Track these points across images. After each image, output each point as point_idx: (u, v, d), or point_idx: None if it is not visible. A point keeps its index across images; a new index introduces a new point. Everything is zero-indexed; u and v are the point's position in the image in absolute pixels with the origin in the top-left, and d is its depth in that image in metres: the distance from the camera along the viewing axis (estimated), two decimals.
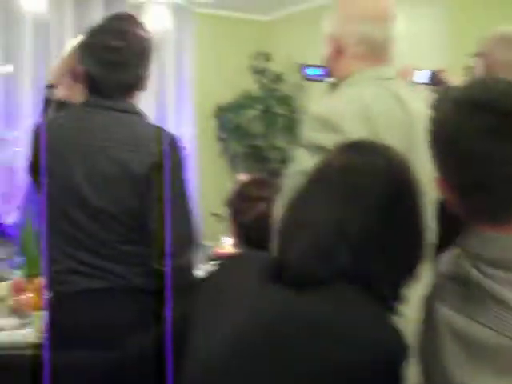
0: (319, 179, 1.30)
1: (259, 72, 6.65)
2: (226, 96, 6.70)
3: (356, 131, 1.68)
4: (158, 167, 2.08)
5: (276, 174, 5.13)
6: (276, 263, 1.25)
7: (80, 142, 2.16)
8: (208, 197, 6.14)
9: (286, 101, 6.62)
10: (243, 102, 6.65)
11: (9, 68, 5.71)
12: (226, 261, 1.47)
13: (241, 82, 6.65)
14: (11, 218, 5.60)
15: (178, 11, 6.17)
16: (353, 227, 1.20)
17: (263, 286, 1.24)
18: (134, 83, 2.23)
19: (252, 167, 6.63)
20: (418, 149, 1.69)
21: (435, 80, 3.39)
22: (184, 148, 2.23)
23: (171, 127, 6.44)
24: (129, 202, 2.11)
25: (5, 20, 5.74)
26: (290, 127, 6.47)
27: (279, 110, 6.62)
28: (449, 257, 1.28)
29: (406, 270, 1.25)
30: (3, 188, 5.54)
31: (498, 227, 1.19)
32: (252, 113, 6.67)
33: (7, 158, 5.65)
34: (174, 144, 2.16)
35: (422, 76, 3.34)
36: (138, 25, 2.29)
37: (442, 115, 1.22)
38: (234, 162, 6.80)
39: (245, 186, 2.40)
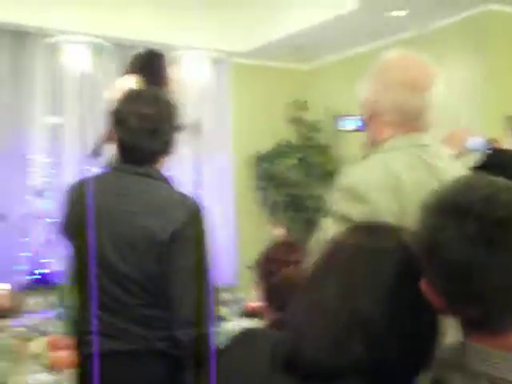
0: (330, 262, 1.26)
1: (296, 121, 6.65)
2: (264, 145, 6.73)
3: (383, 202, 1.65)
4: (179, 235, 2.09)
5: (313, 223, 5.10)
6: (288, 352, 1.20)
7: (106, 206, 2.19)
8: (246, 247, 6.10)
9: (323, 150, 6.61)
10: (281, 151, 6.67)
11: (56, 119, 5.93)
12: (236, 340, 1.42)
13: (278, 131, 6.67)
14: (54, 266, 5.68)
15: (215, 62, 6.23)
16: (365, 315, 1.15)
17: (273, 375, 1.21)
18: (162, 150, 2.26)
19: (290, 216, 6.61)
20: None
21: (489, 148, 3.33)
22: (207, 216, 2.22)
23: (209, 176, 6.59)
24: (151, 267, 2.12)
25: (52, 73, 5.90)
26: (328, 176, 6.46)
27: (316, 158, 6.61)
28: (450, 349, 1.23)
29: (421, 356, 1.19)
30: (48, 235, 5.60)
31: (489, 338, 1.14)
32: (290, 162, 6.68)
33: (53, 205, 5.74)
34: (197, 212, 2.16)
35: (475, 142, 3.26)
36: (165, 94, 2.35)
37: (427, 221, 1.17)
38: (272, 212, 6.79)
39: (272, 248, 2.40)
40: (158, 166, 2.26)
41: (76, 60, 5.23)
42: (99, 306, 2.15)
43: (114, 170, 2.30)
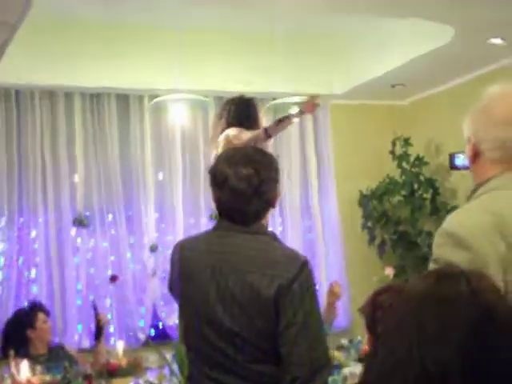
0: (398, 313, 1.24)
1: (400, 157, 6.60)
2: (369, 184, 6.71)
3: (487, 246, 1.62)
4: (286, 290, 2.09)
5: (425, 260, 5.03)
6: None
7: (211, 265, 2.21)
8: (357, 288, 6.05)
9: (430, 184, 6.51)
10: (386, 188, 6.62)
11: (161, 175, 6.17)
12: None
13: (382, 169, 6.63)
14: (172, 320, 5.80)
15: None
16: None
17: None
18: (264, 209, 2.28)
19: (401, 255, 6.52)
20: None
21: None
22: (312, 272, 2.22)
23: (316, 215, 6.67)
24: (259, 324, 2.13)
25: (158, 133, 6.18)
26: (437, 210, 6.36)
27: (424, 193, 6.51)
28: None
29: None
30: (164, 289, 5.72)
31: None
32: (396, 198, 6.61)
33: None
34: (304, 267, 2.15)
35: None
36: (262, 152, 2.38)
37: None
38: (381, 251, 6.72)
39: (377, 294, 2.37)
40: (263, 221, 2.29)
41: (178, 117, 5.39)
42: (209, 363, 2.18)
43: (216, 229, 2.32)
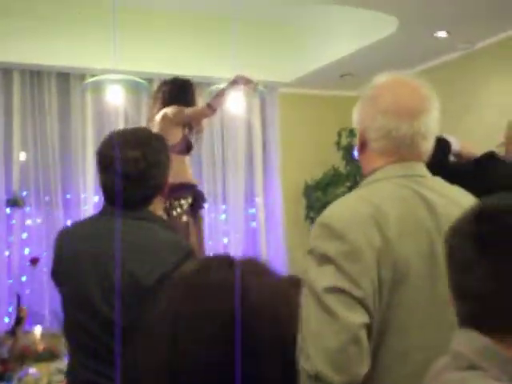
0: (166, 301, 1.21)
1: (344, 148, 6.58)
2: (313, 174, 6.67)
3: (361, 237, 1.58)
4: (167, 280, 1.93)
5: None
6: None
7: (92, 251, 2.12)
8: None
9: None
10: (331, 180, 6.58)
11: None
12: None
13: (327, 160, 6.60)
14: None
15: (261, 94, 6.23)
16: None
17: None
18: (151, 195, 2.19)
19: None
20: (441, 259, 1.54)
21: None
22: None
23: (259, 204, 6.67)
24: (137, 314, 1.97)
25: (100, 114, 6.08)
26: None
27: None
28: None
29: None
30: None
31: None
32: (341, 190, 6.58)
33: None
34: (188, 256, 2.06)
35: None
36: (152, 134, 2.31)
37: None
38: None
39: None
40: (152, 207, 2.20)
41: (113, 98, 5.28)
42: (87, 353, 2.09)
43: (101, 214, 2.24)
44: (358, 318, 1.52)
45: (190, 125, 4.75)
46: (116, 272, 2.03)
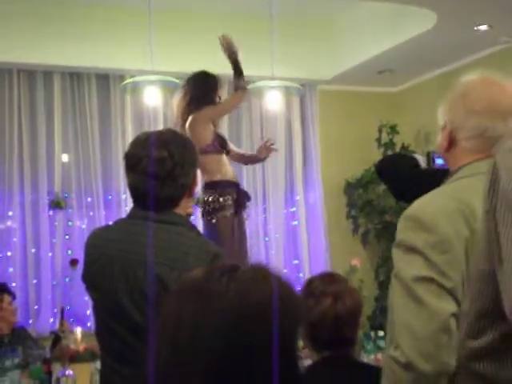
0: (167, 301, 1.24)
1: (385, 145, 6.56)
2: (355, 171, 6.65)
3: (450, 229, 1.64)
4: None
5: None
6: None
7: (121, 256, 2.15)
8: None
9: None
10: (372, 177, 6.54)
11: None
12: None
13: (368, 157, 6.56)
14: None
15: (299, 91, 6.23)
16: None
17: None
18: (179, 194, 2.21)
19: (385, 245, 6.47)
20: None
21: None
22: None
23: (300, 202, 6.66)
24: None
25: (139, 115, 6.14)
26: None
27: None
28: None
29: None
30: None
31: None
32: (382, 188, 6.54)
33: None
34: (215, 259, 2.08)
35: None
36: (178, 135, 2.33)
37: None
38: (365, 240, 6.72)
39: (310, 281, 2.34)
40: (178, 209, 2.21)
41: (152, 99, 5.33)
42: (118, 359, 2.12)
43: (129, 217, 2.26)
44: (448, 306, 1.57)
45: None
46: (148, 277, 2.06)
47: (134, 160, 2.17)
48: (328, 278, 2.33)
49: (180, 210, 2.22)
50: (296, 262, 6.67)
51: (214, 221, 4.57)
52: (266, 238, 6.59)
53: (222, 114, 4.61)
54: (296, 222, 6.73)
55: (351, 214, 6.74)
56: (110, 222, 2.57)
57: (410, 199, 1.82)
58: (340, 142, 6.79)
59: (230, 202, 4.60)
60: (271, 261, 6.45)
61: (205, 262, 2.02)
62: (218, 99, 4.72)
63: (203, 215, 4.67)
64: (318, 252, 6.67)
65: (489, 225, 1.20)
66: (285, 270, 6.52)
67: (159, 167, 2.13)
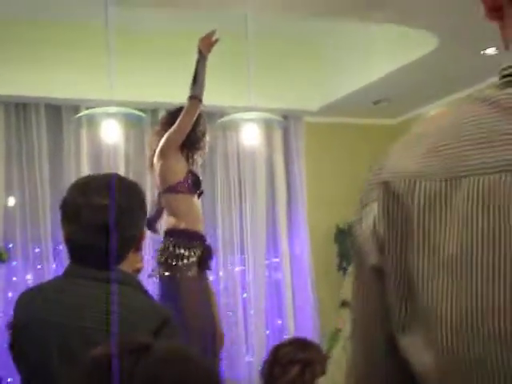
0: None
1: None
2: (346, 215, 6.42)
3: None
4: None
5: None
6: None
7: (54, 321, 2.07)
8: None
9: None
10: None
11: None
12: None
13: None
14: None
15: (282, 124, 6.08)
16: None
17: None
18: (125, 249, 2.14)
19: None
20: None
21: None
22: (178, 329, 2.16)
23: (284, 252, 6.56)
24: None
25: (96, 152, 5.96)
26: None
27: None
28: None
29: None
30: None
31: None
32: None
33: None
34: (165, 324, 2.03)
35: None
36: (125, 180, 2.32)
37: None
38: None
39: (277, 348, 2.34)
40: (124, 264, 2.14)
41: (111, 135, 5.15)
42: None
43: (65, 275, 2.17)
44: None
45: (193, 151, 4.69)
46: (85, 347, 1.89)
47: (72, 209, 2.10)
48: (298, 345, 2.34)
49: (126, 266, 2.16)
50: (279, 321, 6.51)
51: (173, 277, 4.45)
52: (245, 295, 6.42)
53: (184, 132, 4.52)
54: (279, 275, 6.58)
55: (343, 266, 6.57)
56: (43, 281, 2.58)
57: None
58: (330, 182, 6.68)
59: (194, 259, 4.49)
60: (250, 321, 6.29)
61: (153, 327, 1.99)
62: (202, 137, 4.71)
63: (160, 267, 4.54)
64: (304, 310, 6.50)
65: None
66: (267, 332, 6.41)
67: (102, 216, 2.04)
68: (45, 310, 2.12)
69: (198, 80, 4.47)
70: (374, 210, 0.95)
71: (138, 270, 2.34)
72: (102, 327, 1.99)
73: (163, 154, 4.51)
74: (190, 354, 1.23)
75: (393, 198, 0.91)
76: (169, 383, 1.14)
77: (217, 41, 4.56)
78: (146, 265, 5.45)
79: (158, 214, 4.71)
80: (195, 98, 4.45)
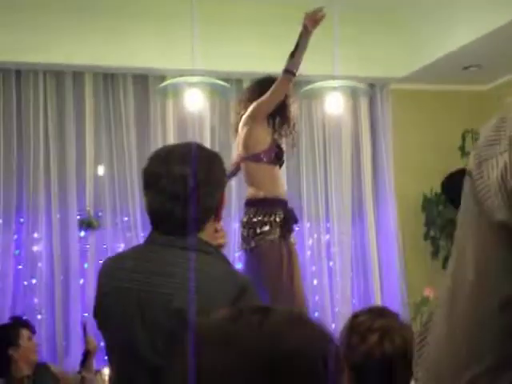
0: None
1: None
2: (434, 184, 6.47)
3: None
4: None
5: None
6: None
7: (137, 288, 2.14)
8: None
9: None
10: None
11: None
12: None
13: (450, 167, 6.35)
14: None
15: (368, 92, 6.09)
16: None
17: None
18: (203, 218, 2.20)
19: None
20: None
21: None
22: (258, 296, 2.19)
23: (370, 222, 6.57)
24: None
25: (183, 122, 6.11)
26: None
27: None
28: None
29: None
30: None
31: None
32: None
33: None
34: (245, 290, 2.09)
35: None
36: (204, 149, 2.34)
37: None
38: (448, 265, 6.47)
39: (355, 316, 2.29)
40: (203, 234, 2.20)
41: (194, 103, 5.28)
42: None
43: (147, 243, 2.24)
44: None
45: (280, 123, 4.75)
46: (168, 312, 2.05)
47: (152, 178, 2.18)
48: (375, 313, 2.29)
49: (205, 236, 2.21)
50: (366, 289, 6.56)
51: (256, 246, 4.52)
52: (331, 263, 6.46)
53: (274, 102, 4.57)
54: (365, 245, 6.60)
55: (430, 235, 6.59)
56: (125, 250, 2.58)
57: None
58: (417, 151, 6.65)
59: (276, 224, 4.54)
60: (335, 289, 6.35)
61: (231, 295, 2.04)
62: (289, 105, 4.75)
63: (243, 239, 4.62)
64: (391, 279, 6.52)
65: None
66: (353, 300, 6.45)
67: (180, 186, 2.12)
68: (126, 277, 2.18)
69: (296, 54, 4.44)
70: (500, 163, 0.95)
71: (221, 246, 2.41)
72: (180, 293, 2.05)
73: (251, 121, 4.57)
74: (306, 317, 1.22)
75: None
76: (296, 342, 1.13)
77: (323, 17, 4.50)
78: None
79: (231, 175, 4.76)
80: (290, 72, 4.45)
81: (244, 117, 4.63)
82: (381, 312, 2.30)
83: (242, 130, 4.65)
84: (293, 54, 4.45)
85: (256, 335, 1.12)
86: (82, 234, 5.97)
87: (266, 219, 4.53)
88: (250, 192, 4.69)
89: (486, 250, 1.02)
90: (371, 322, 2.19)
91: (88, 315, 5.70)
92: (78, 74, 5.99)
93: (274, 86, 4.49)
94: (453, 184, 5.56)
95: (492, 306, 1.01)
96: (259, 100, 4.55)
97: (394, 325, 2.21)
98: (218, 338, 1.13)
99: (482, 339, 1.03)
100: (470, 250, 1.03)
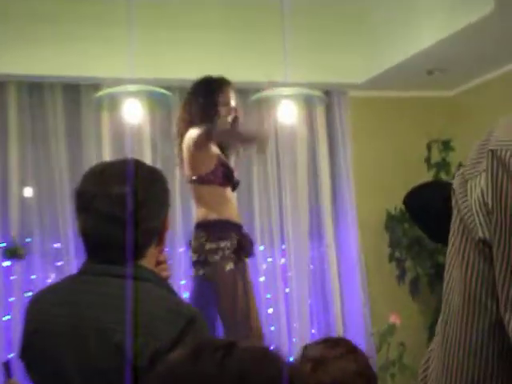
0: None
1: (437, 165, 6.51)
2: (398, 200, 6.38)
3: None
4: (163, 357, 1.90)
5: None
6: None
7: (68, 322, 2.10)
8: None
9: None
10: None
11: None
12: None
13: (415, 180, 6.33)
14: None
15: (323, 99, 6.01)
16: None
17: None
18: (144, 243, 2.16)
19: (440, 295, 6.19)
20: None
21: None
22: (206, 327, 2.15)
23: (329, 243, 6.58)
24: None
25: (119, 135, 5.94)
26: None
27: None
28: None
29: None
30: None
31: None
32: None
33: None
34: (190, 325, 2.04)
35: None
36: (144, 166, 2.31)
37: None
38: (415, 290, 6.55)
39: (307, 346, 2.35)
40: (145, 261, 2.15)
41: (133, 114, 5.15)
42: None
43: (80, 272, 2.18)
44: None
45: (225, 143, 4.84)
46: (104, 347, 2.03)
47: (86, 199, 2.14)
48: (331, 345, 2.34)
49: (147, 263, 2.17)
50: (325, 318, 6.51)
51: (208, 274, 4.52)
52: (287, 289, 6.37)
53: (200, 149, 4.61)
54: (325, 269, 6.57)
55: (395, 257, 6.54)
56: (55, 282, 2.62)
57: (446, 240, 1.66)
58: (378, 164, 6.61)
59: (230, 251, 4.52)
60: (293, 318, 6.27)
61: (178, 328, 2.01)
62: (225, 106, 4.77)
63: (193, 265, 4.61)
64: (353, 303, 6.48)
65: None
66: (312, 331, 6.38)
67: (118, 207, 2.08)
68: (57, 312, 2.13)
69: (228, 132, 4.76)
70: (481, 181, 1.05)
71: (166, 278, 2.36)
72: (120, 328, 2.00)
73: (192, 148, 4.57)
74: (273, 353, 1.24)
75: (501, 167, 1.01)
76: (258, 381, 1.15)
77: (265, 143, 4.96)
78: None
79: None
80: (208, 134, 4.55)
81: (186, 140, 4.63)
82: (335, 342, 2.36)
83: (185, 152, 4.64)
84: (226, 132, 4.76)
85: (220, 375, 1.13)
86: (7, 263, 5.75)
87: (218, 246, 4.50)
88: (200, 213, 4.69)
89: (469, 268, 1.09)
90: (309, 351, 2.29)
91: (13, 356, 5.52)
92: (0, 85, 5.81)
93: (194, 135, 4.56)
94: (416, 199, 5.54)
95: (482, 333, 1.08)
96: (192, 136, 4.56)
97: (335, 355, 2.26)
98: (181, 381, 1.14)
99: (477, 371, 1.09)
100: (456, 269, 1.11)
